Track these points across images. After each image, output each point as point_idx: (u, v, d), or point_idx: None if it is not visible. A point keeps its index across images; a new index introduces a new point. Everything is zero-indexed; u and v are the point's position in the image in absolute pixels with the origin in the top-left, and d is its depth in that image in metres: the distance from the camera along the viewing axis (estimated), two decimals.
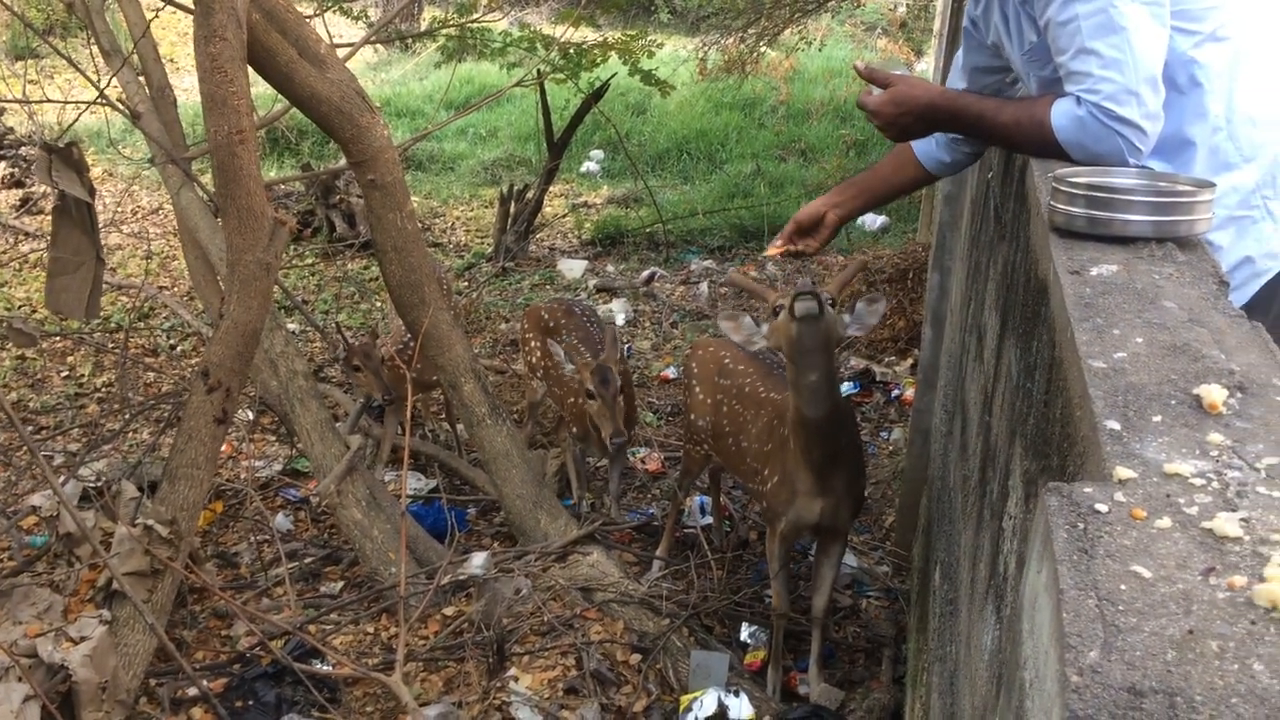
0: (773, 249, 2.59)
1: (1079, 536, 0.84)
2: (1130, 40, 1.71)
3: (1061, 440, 1.20)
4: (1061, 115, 1.79)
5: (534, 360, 4.76)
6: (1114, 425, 0.99)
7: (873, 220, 8.59)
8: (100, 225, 3.67)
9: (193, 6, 3.13)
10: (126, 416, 5.09)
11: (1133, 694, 0.68)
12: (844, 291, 3.04)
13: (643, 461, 5.16)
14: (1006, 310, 2.08)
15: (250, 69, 3.33)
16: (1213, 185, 1.50)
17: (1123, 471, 0.91)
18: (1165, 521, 0.85)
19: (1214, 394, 1.02)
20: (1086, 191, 1.46)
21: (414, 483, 4.78)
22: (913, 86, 2.04)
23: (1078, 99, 1.76)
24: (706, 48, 9.84)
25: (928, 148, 2.44)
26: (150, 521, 3.05)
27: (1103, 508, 0.87)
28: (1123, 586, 0.78)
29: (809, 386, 2.99)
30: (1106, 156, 1.76)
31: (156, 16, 4.91)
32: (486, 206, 9.38)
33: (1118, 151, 1.75)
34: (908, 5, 13.08)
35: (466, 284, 7.61)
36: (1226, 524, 0.83)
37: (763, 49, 9.49)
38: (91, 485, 4.33)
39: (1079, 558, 0.81)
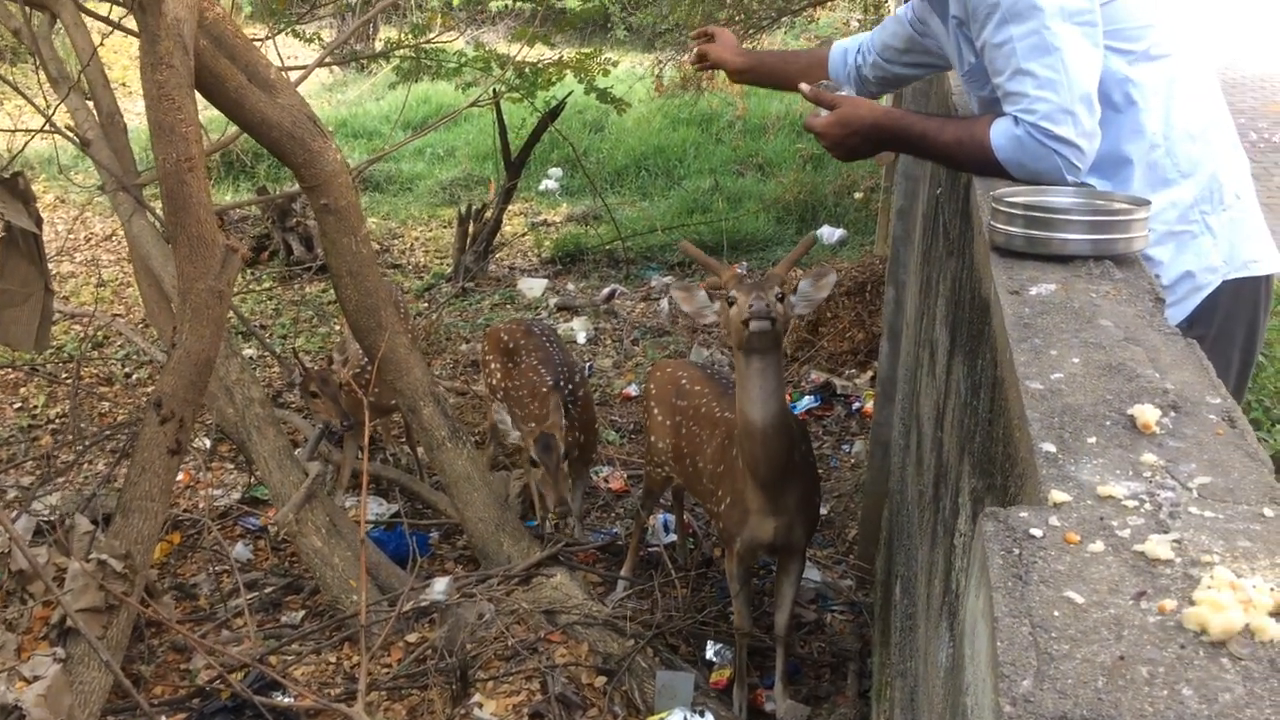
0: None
1: (1014, 562, 0.85)
2: (1064, 60, 1.74)
3: (1004, 460, 1.21)
4: (1000, 135, 1.82)
5: (494, 382, 4.74)
6: (1049, 448, 1.00)
7: (830, 234, 8.65)
8: (50, 254, 3.62)
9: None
10: (80, 448, 5.01)
11: None
12: (792, 269, 3.02)
13: (606, 480, 5.15)
14: (955, 327, 2.10)
15: (199, 95, 3.31)
16: (1148, 203, 1.52)
17: (1058, 495, 0.92)
18: (1098, 545, 0.86)
19: (1147, 414, 1.04)
20: (1025, 211, 1.48)
21: (375, 508, 4.74)
22: (857, 107, 2.06)
23: (1015, 119, 1.79)
24: (663, 64, 9.88)
25: (842, 61, 2.59)
26: (104, 556, 3.00)
27: (1038, 532, 0.88)
28: (1056, 613, 0.78)
29: (753, 375, 2.96)
30: (1046, 174, 1.79)
31: (103, 43, 4.85)
32: (445, 226, 9.35)
33: (1056, 169, 1.77)
34: (860, 19, 13.20)
35: (426, 305, 7.57)
36: (1158, 546, 0.84)
37: None
38: (45, 519, 4.25)
39: (1014, 584, 0.82)
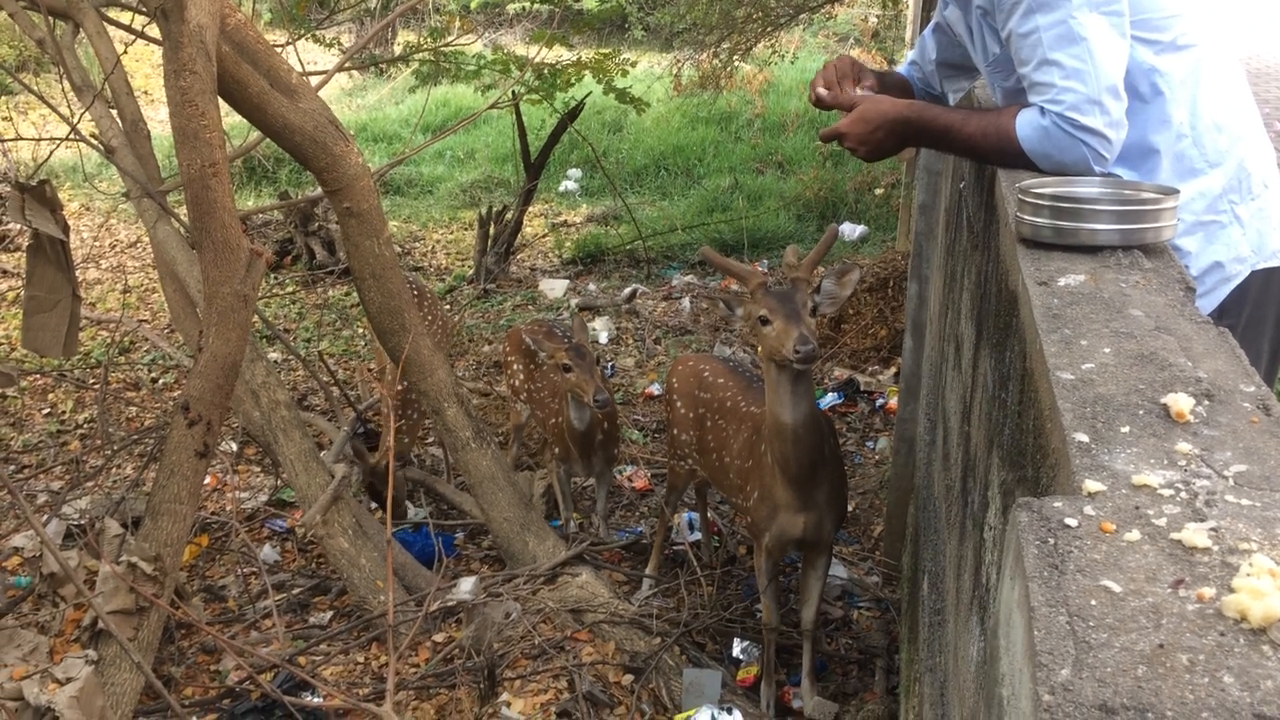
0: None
1: (1049, 552, 0.84)
2: (1091, 50, 1.73)
3: (1035, 451, 1.21)
4: (1026, 125, 1.80)
5: (517, 383, 4.75)
6: (1082, 437, 1.00)
7: (851, 230, 8.62)
8: (77, 261, 3.66)
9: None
10: (109, 452, 5.06)
11: (1104, 711, 0.68)
12: (817, 267, 3.01)
13: (629, 479, 5.15)
14: (981, 320, 2.09)
15: (222, 101, 3.33)
16: (1176, 192, 1.51)
17: (1091, 484, 0.92)
18: (1134, 534, 0.85)
19: (1181, 403, 1.03)
20: (1052, 202, 1.47)
21: (409, 513, 4.76)
22: (879, 102, 2.05)
23: (1041, 109, 1.78)
24: (681, 64, 9.89)
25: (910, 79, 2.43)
26: (134, 559, 3.02)
27: (1072, 522, 0.87)
28: (1093, 602, 0.78)
29: (782, 383, 2.98)
30: (1072, 165, 1.78)
31: (126, 51, 4.89)
32: (466, 229, 9.39)
33: (1083, 160, 1.76)
34: (879, 15, 13.16)
35: (449, 307, 7.59)
36: (1195, 535, 0.84)
37: (736, 63, 9.55)
38: (75, 523, 4.29)
39: (1050, 574, 0.82)
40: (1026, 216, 1.50)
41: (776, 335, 2.84)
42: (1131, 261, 1.44)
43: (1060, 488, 1.00)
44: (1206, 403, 1.05)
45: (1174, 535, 0.84)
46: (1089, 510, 0.88)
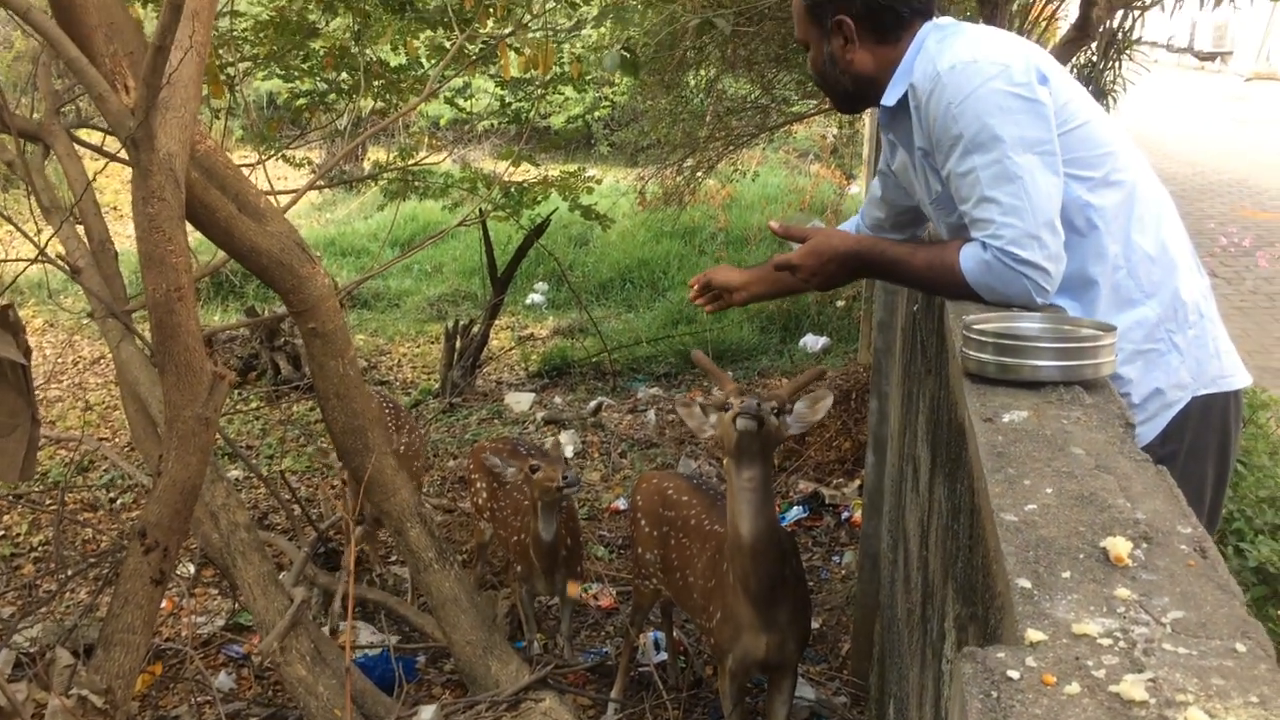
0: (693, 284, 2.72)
1: (993, 707, 0.85)
2: (1026, 188, 1.81)
3: (984, 591, 1.22)
4: (970, 259, 1.87)
5: (480, 501, 4.73)
6: (1025, 583, 1.02)
7: (814, 341, 8.74)
8: (39, 380, 3.63)
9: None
10: (63, 577, 4.95)
11: None
12: (796, 396, 3.06)
13: (595, 597, 5.09)
14: (935, 446, 2.13)
15: (189, 224, 3.37)
16: (1114, 329, 1.57)
17: (1034, 634, 0.93)
18: (1074, 687, 0.86)
19: (1120, 546, 1.06)
20: (995, 339, 1.52)
21: (368, 636, 4.67)
22: (830, 236, 2.12)
23: (983, 244, 1.85)
24: (645, 180, 10.10)
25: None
26: (85, 691, 2.95)
27: (1015, 674, 0.88)
28: None
29: (743, 488, 2.99)
30: (1015, 297, 1.84)
31: (100, 174, 4.95)
32: (433, 342, 9.42)
33: (1025, 292, 1.83)
34: (836, 133, 13.57)
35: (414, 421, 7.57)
36: (1133, 687, 0.85)
37: (700, 179, 9.78)
38: (25, 652, 4.18)
39: None
40: (972, 352, 1.54)
41: (730, 414, 2.87)
42: (1073, 397, 1.48)
43: (1005, 632, 1.02)
44: (1145, 545, 1.08)
45: (1112, 688, 0.86)
46: (1031, 661, 0.90)
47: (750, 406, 2.85)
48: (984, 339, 1.53)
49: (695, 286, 2.70)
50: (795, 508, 5.86)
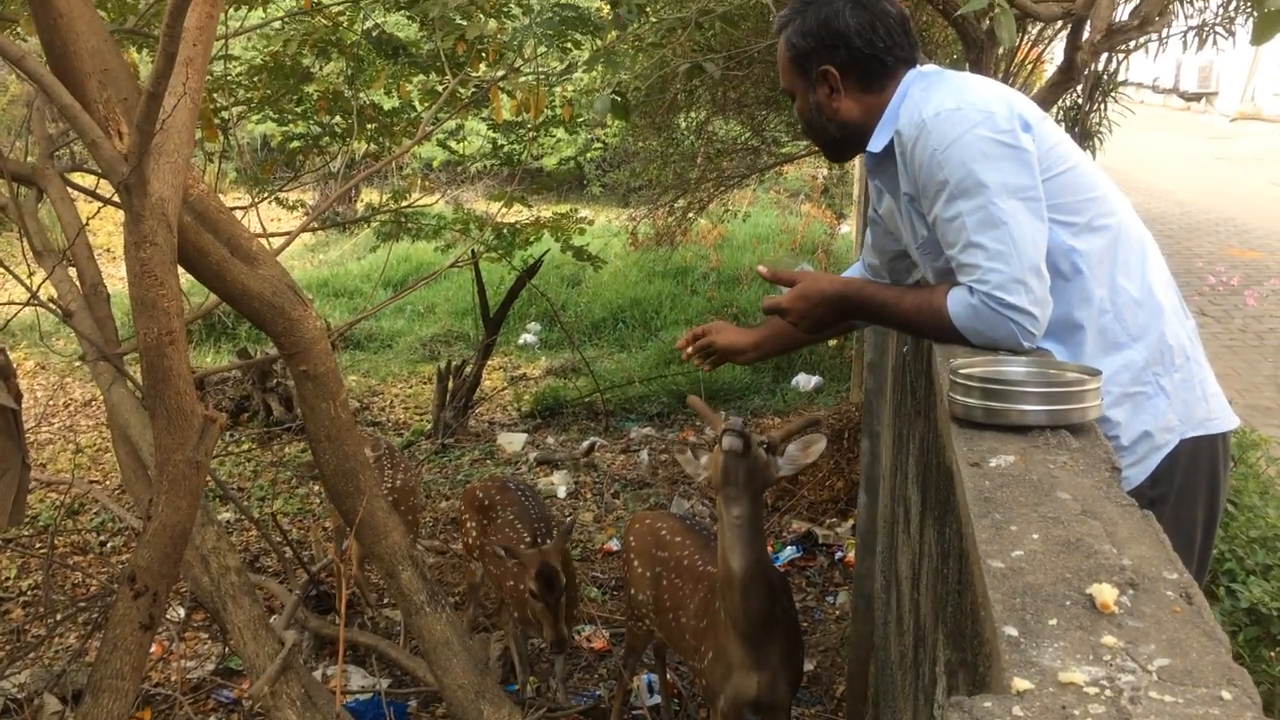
0: (682, 346, 2.63)
1: None
2: (1012, 234, 1.83)
3: (973, 637, 1.23)
4: (957, 303, 1.89)
5: (470, 540, 4.72)
6: (1011, 631, 1.02)
7: (806, 380, 8.76)
8: (30, 422, 3.63)
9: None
10: (52, 622, 4.91)
11: None
12: (788, 440, 3.05)
13: (588, 639, 5.07)
14: (925, 488, 2.13)
15: (181, 267, 3.38)
16: (1099, 373, 1.58)
17: (1020, 683, 0.94)
18: None
19: (1106, 593, 1.06)
20: (982, 384, 1.53)
21: (360, 680, 4.64)
22: (818, 280, 2.14)
23: (970, 288, 1.87)
24: (637, 220, 10.16)
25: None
26: None
27: None
28: None
29: (733, 524, 2.96)
30: (1002, 341, 1.86)
31: (93, 217, 4.97)
32: (425, 383, 9.42)
33: (1012, 336, 1.84)
34: (827, 173, 13.67)
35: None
36: None
37: (691, 218, 9.86)
38: (13, 698, 4.14)
39: None
40: (958, 397, 1.55)
41: (716, 447, 2.87)
42: (1059, 441, 1.49)
43: (993, 680, 1.02)
44: (1131, 592, 1.08)
45: None
46: (1018, 710, 0.90)
47: (736, 424, 2.84)
48: (970, 383, 1.54)
49: (687, 344, 2.62)
50: (789, 547, 5.85)
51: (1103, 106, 5.11)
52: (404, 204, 7.43)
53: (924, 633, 1.95)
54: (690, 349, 2.62)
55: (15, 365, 3.79)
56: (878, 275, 2.46)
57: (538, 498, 4.76)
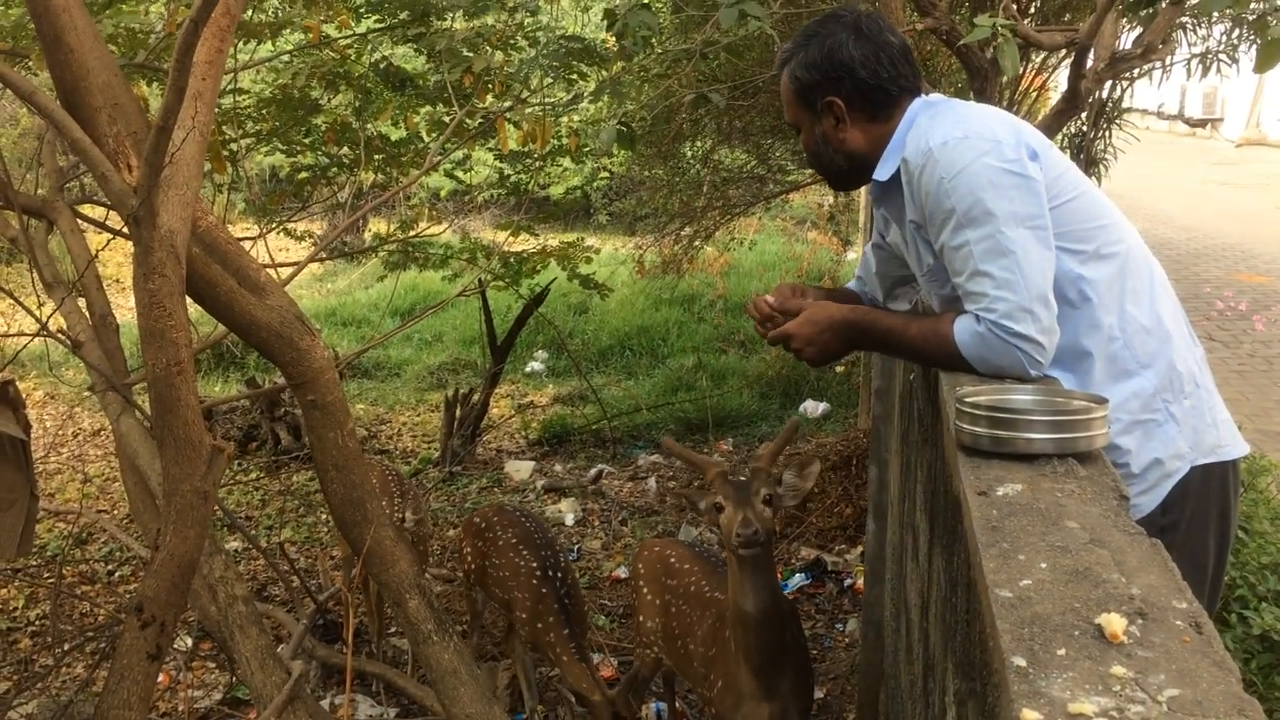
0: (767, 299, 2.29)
1: None
2: (1019, 262, 1.83)
3: (982, 667, 1.22)
4: (963, 332, 1.89)
5: (469, 565, 4.72)
6: (1020, 661, 1.02)
7: (814, 408, 8.74)
8: (39, 452, 3.64)
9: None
10: (59, 652, 4.90)
11: None
12: (779, 458, 3.05)
13: (596, 667, 5.03)
14: (933, 516, 2.13)
15: (189, 299, 3.40)
16: (1106, 401, 1.58)
17: (1029, 714, 0.93)
18: None
19: (1115, 623, 1.06)
20: (989, 412, 1.53)
21: (367, 709, 4.62)
22: (825, 307, 2.14)
23: (977, 317, 1.87)
24: (644, 249, 10.19)
25: (862, 293, 2.49)
26: None
27: None
28: None
29: (747, 569, 2.97)
30: (1009, 369, 1.86)
31: (103, 249, 5.00)
32: (433, 411, 9.42)
33: (1019, 364, 1.84)
34: (833, 200, 13.71)
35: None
36: None
37: (698, 246, 9.90)
38: None
39: None
40: (965, 425, 1.55)
41: (726, 522, 2.88)
42: (1067, 470, 1.48)
43: (1002, 711, 1.02)
44: (1140, 621, 1.08)
45: None
46: None
47: (747, 536, 2.84)
48: (977, 412, 1.54)
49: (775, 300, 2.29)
50: (797, 575, 5.83)
51: (1107, 133, 5.13)
52: (411, 233, 7.46)
53: (933, 661, 1.94)
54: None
55: (25, 396, 3.81)
56: (872, 298, 2.47)
57: (537, 519, 4.74)
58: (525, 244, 7.62)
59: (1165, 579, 1.17)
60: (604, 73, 5.52)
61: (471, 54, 5.11)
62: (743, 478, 3.00)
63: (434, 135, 6.55)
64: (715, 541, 6.05)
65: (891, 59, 2.08)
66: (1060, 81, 4.76)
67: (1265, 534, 3.15)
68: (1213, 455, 1.99)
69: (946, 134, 1.94)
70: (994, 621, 1.10)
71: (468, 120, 5.86)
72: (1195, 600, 1.12)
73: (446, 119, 6.24)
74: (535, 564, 4.27)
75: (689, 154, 7.92)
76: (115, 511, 7.20)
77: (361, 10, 5.66)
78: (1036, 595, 1.14)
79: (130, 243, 3.18)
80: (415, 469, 8.10)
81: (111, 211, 5.04)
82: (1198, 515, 1.97)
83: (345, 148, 6.47)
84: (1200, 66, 4.62)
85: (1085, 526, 1.30)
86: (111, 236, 4.81)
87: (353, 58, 5.92)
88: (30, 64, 5.16)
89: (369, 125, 6.27)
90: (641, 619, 3.97)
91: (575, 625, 4.18)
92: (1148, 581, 1.16)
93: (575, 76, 5.86)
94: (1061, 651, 1.03)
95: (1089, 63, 3.33)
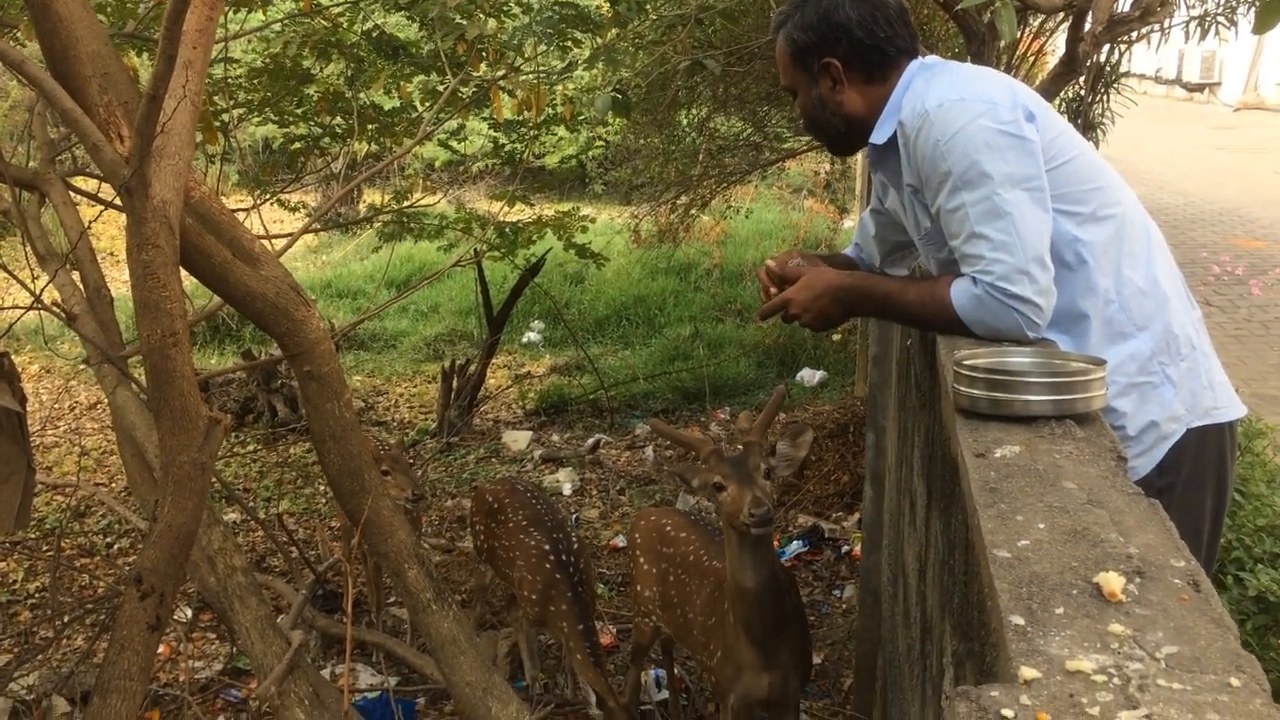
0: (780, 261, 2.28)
1: None
2: (1015, 224, 1.82)
3: (980, 627, 1.22)
4: (961, 294, 1.88)
5: (479, 543, 4.71)
6: (1018, 620, 1.02)
7: (811, 376, 8.75)
8: (35, 425, 3.64)
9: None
10: (59, 624, 4.92)
11: None
12: (770, 428, 3.04)
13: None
14: (931, 480, 2.13)
15: (183, 270, 3.38)
16: (1104, 362, 1.57)
17: (1027, 671, 0.93)
18: None
19: (1113, 582, 1.06)
20: (986, 374, 1.52)
21: (368, 677, 4.64)
22: (822, 272, 2.13)
23: (974, 279, 1.86)
24: (639, 218, 10.16)
25: (859, 259, 2.49)
26: None
27: (1009, 713, 0.88)
28: None
29: (748, 545, 2.98)
30: (1006, 332, 1.85)
31: (95, 220, 4.97)
32: (429, 382, 9.42)
33: (1016, 327, 1.83)
34: (829, 168, 13.66)
35: (412, 461, 7.56)
36: None
37: (694, 215, 9.87)
38: (22, 700, 4.15)
39: None
40: (963, 388, 1.55)
41: (732, 501, 2.86)
42: (1065, 431, 1.48)
43: (1000, 669, 1.02)
44: (1138, 580, 1.08)
45: None
46: (1025, 700, 0.90)
47: (763, 515, 2.80)
48: (975, 374, 1.54)
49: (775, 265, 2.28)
50: (795, 542, 5.85)
51: (1105, 98, 5.10)
52: (406, 204, 7.43)
53: (931, 624, 1.95)
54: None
55: (20, 369, 3.80)
56: (869, 264, 2.46)
57: (547, 499, 4.75)
58: (521, 214, 7.60)
59: (1163, 538, 1.17)
60: (598, 39, 5.47)
61: (465, 21, 5.06)
62: (737, 452, 2.99)
63: (427, 104, 6.51)
64: (712, 510, 6.07)
65: (888, 19, 2.07)
66: (1058, 45, 4.73)
67: (1261, 496, 3.16)
68: (1209, 417, 1.99)
69: (942, 96, 1.92)
70: (992, 581, 1.10)
71: (461, 89, 5.82)
72: (1193, 559, 1.13)
73: (440, 88, 6.20)
74: (548, 547, 4.26)
75: (684, 122, 7.88)
76: (113, 484, 7.21)
77: None
78: (1035, 555, 1.14)
79: (123, 215, 3.16)
80: (412, 440, 8.11)
81: (104, 184, 5.01)
82: (1194, 477, 1.97)
83: (338, 118, 6.42)
84: (1198, 29, 4.59)
85: (1083, 487, 1.30)
86: (104, 208, 4.78)
87: (345, 26, 5.87)
88: (19, 34, 5.11)
89: (362, 95, 6.23)
90: (639, 588, 3.99)
91: (588, 619, 4.17)
92: (1145, 541, 1.16)
93: (570, 44, 5.82)
94: (1060, 610, 1.03)
95: (1087, 26, 3.31)
